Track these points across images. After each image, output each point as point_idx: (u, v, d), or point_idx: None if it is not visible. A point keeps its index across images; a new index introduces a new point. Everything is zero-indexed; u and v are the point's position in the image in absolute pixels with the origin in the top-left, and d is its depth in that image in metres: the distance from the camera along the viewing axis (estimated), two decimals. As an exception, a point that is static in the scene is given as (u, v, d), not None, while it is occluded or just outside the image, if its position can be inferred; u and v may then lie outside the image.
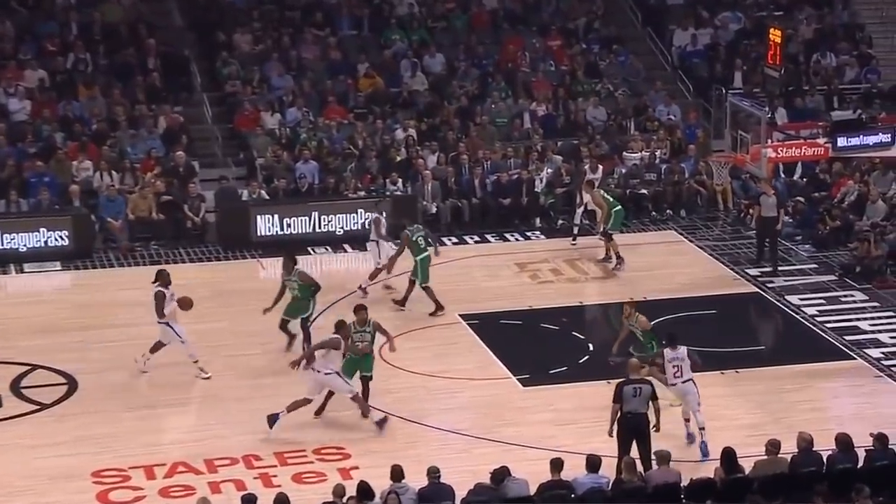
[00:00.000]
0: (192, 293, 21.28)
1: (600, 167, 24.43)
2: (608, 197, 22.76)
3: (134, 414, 17.19)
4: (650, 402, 14.78)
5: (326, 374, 16.40)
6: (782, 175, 25.97)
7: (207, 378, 18.01)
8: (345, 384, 16.51)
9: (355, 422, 16.79)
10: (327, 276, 22.70)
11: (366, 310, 17.22)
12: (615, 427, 14.75)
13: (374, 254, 21.51)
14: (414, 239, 20.43)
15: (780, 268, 22.34)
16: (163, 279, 18.21)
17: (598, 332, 20.67)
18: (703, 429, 15.78)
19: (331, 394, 16.79)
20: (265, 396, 17.61)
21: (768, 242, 22.38)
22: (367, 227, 22.08)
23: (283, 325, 18.72)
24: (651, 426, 14.80)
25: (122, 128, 26.16)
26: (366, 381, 16.99)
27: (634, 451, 14.66)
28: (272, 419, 16.36)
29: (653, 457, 14.01)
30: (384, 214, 21.94)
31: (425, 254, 20.43)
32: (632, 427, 14.71)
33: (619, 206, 22.64)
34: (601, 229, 22.52)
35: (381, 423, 16.51)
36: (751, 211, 25.03)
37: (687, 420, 16.00)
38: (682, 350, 15.91)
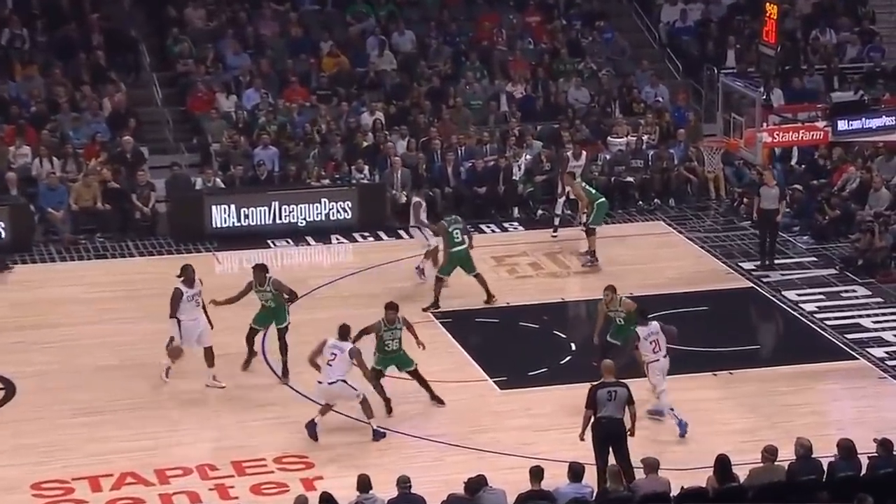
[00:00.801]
0: (142, 289, 21.31)
1: (584, 153, 24.46)
2: (590, 189, 22.76)
3: (77, 420, 17.10)
4: (626, 407, 14.81)
5: (331, 383, 16.38)
6: (778, 162, 26.02)
7: (222, 388, 17.73)
8: (352, 391, 16.44)
9: (321, 427, 16.71)
10: (288, 271, 22.71)
11: (396, 309, 17.21)
12: (589, 434, 14.83)
13: (420, 238, 21.69)
14: (450, 230, 20.57)
15: (776, 261, 22.41)
16: (186, 276, 17.71)
17: (580, 330, 20.66)
18: (672, 409, 16.35)
19: None
20: (221, 400, 17.58)
21: (769, 237, 22.35)
22: (411, 210, 22.02)
23: (251, 336, 18.29)
24: (627, 431, 14.83)
25: (63, 110, 26.00)
26: (412, 374, 17.24)
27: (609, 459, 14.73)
28: (311, 428, 16.33)
29: (639, 464, 14.00)
30: (425, 198, 22.06)
31: (461, 247, 20.54)
32: (607, 433, 14.77)
33: (603, 199, 22.62)
34: (583, 222, 22.54)
35: (377, 435, 16.43)
36: (745, 200, 25.10)
37: (672, 409, 16.44)
38: (655, 324, 16.52)
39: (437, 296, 20.46)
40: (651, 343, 16.43)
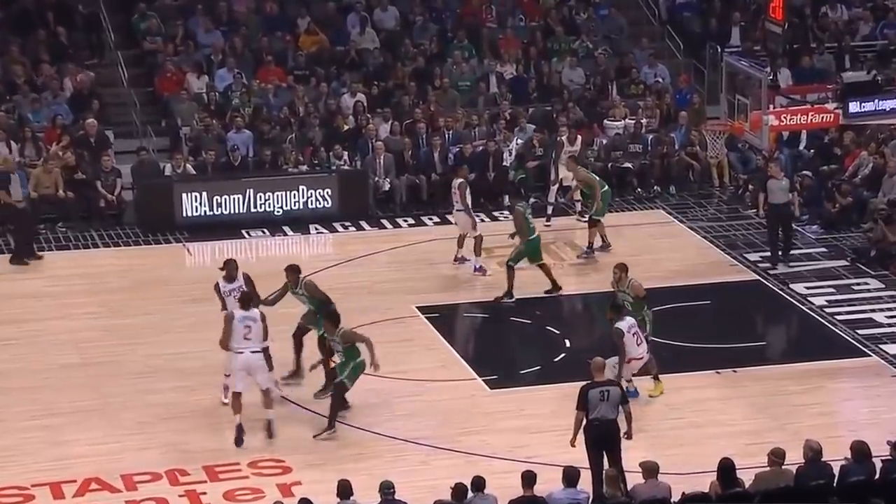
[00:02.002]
0: (108, 283, 21.26)
1: (579, 138, 24.46)
2: (593, 175, 22.71)
3: (38, 423, 17.04)
4: (620, 407, 14.83)
5: (254, 352, 16.39)
6: (785, 147, 26.06)
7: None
8: (268, 364, 16.54)
9: (298, 431, 16.76)
10: (264, 264, 22.65)
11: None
12: (581, 437, 14.81)
13: (464, 224, 21.54)
14: (526, 216, 20.68)
15: (781, 253, 22.37)
16: (228, 271, 17.44)
17: (576, 326, 20.71)
18: (630, 380, 16.94)
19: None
20: (193, 400, 17.54)
21: (782, 234, 22.14)
22: (456, 192, 21.76)
23: (300, 334, 17.95)
24: (622, 433, 14.85)
25: (21, 91, 25.92)
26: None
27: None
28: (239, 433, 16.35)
29: (637, 468, 14.02)
30: (468, 178, 22.00)
31: (536, 235, 20.66)
32: (601, 436, 14.77)
33: (606, 187, 22.63)
34: (588, 212, 22.52)
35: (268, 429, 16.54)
36: (750, 187, 25.13)
37: (630, 380, 16.86)
38: (630, 318, 16.93)
39: (510, 285, 20.52)
40: (634, 336, 16.69)
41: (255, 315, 16.44)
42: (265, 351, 16.53)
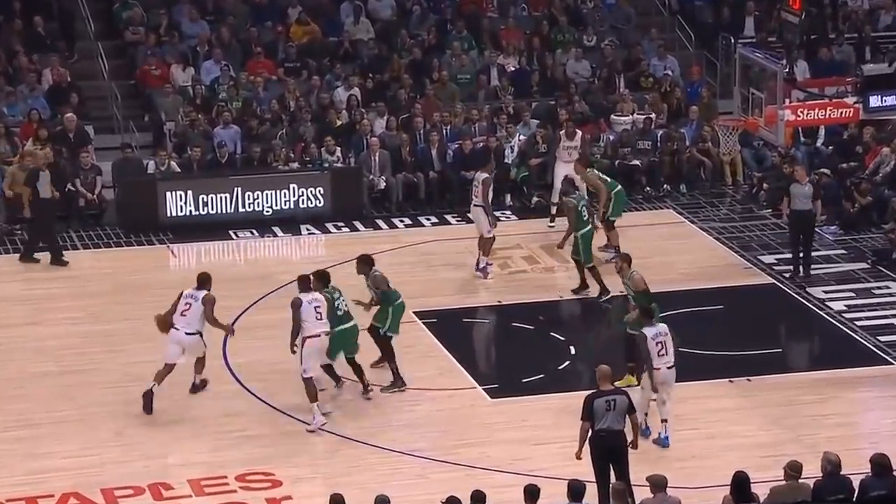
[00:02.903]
0: (87, 287, 21.23)
1: (578, 133, 24.41)
2: (604, 176, 22.63)
3: (12, 434, 17.01)
4: (627, 417, 14.80)
5: (188, 333, 17.29)
6: (803, 142, 26.05)
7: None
8: (203, 347, 17.53)
9: (288, 440, 16.74)
10: (253, 266, 22.71)
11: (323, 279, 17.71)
12: (586, 448, 14.78)
13: (480, 222, 21.56)
14: (579, 209, 20.77)
15: (801, 267, 22.26)
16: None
17: (581, 332, 20.67)
18: (665, 421, 16.37)
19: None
20: (177, 410, 17.49)
21: (803, 243, 21.99)
22: (474, 186, 21.78)
23: (375, 332, 18.19)
24: (628, 444, 14.82)
25: (-4, 84, 25.96)
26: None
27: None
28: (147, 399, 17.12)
29: (645, 482, 13.98)
30: (493, 174, 22.06)
31: (588, 228, 20.79)
32: (607, 447, 14.74)
33: (619, 187, 22.53)
34: (600, 216, 22.50)
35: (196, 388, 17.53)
36: (765, 186, 25.11)
37: (664, 420, 16.35)
38: (663, 325, 16.55)
39: (601, 282, 20.68)
40: (658, 345, 16.37)
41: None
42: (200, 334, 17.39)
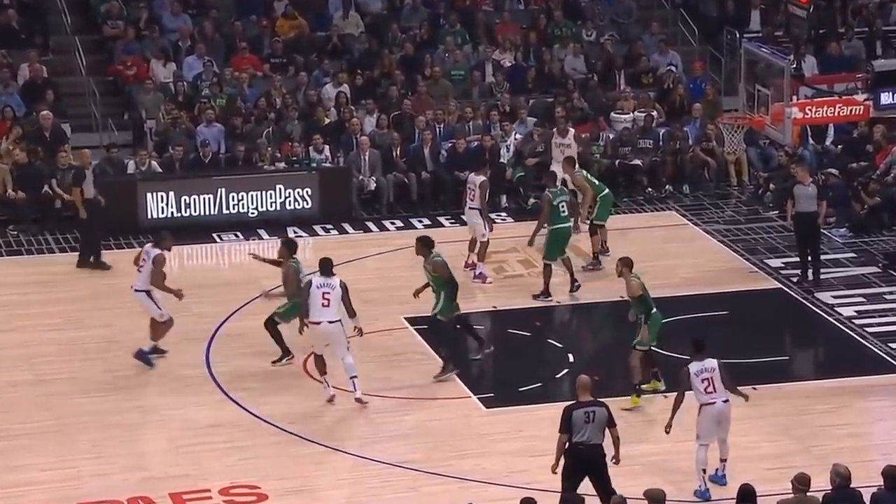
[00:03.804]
0: (65, 291, 21.20)
1: (571, 131, 24.41)
2: (592, 178, 22.67)
3: (-17, 446, 17.04)
4: (607, 430, 14.78)
5: (136, 290, 18.59)
6: (811, 141, 26.07)
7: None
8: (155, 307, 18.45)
9: (274, 452, 16.73)
10: (237, 270, 22.67)
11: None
12: (562, 461, 14.74)
13: (475, 226, 21.73)
14: (556, 204, 20.88)
15: (808, 258, 22.33)
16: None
17: (580, 339, 20.66)
18: (725, 460, 15.93)
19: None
20: (156, 422, 17.49)
21: (810, 247, 21.93)
22: (469, 189, 21.95)
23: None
24: (610, 458, 14.81)
25: (-31, 80, 25.94)
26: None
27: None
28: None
29: (642, 497, 13.95)
30: (489, 176, 22.30)
31: (565, 225, 20.96)
32: (584, 461, 14.73)
33: (607, 191, 22.58)
34: (585, 219, 22.53)
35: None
36: (772, 186, 25.12)
37: (723, 460, 15.88)
38: (712, 361, 15.91)
39: (547, 286, 20.93)
40: (704, 382, 15.80)
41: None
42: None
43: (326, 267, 17.92)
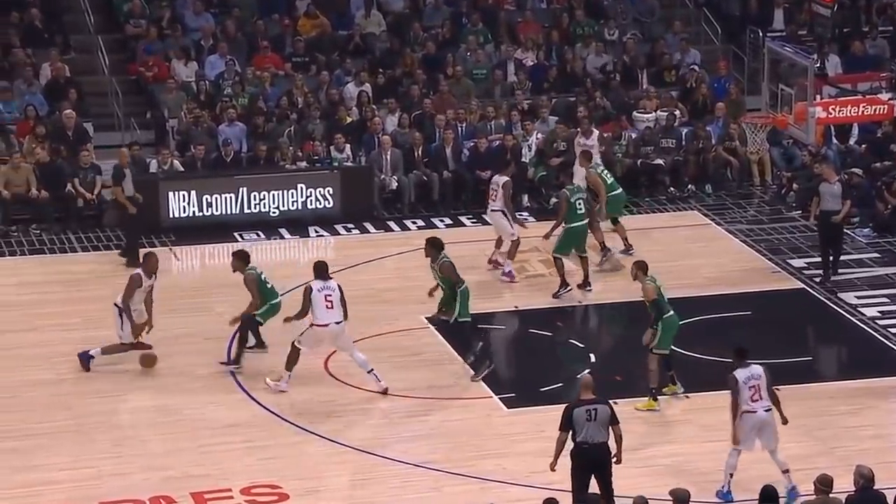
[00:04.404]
0: (86, 291, 21.22)
1: (595, 132, 24.32)
2: (607, 177, 22.54)
3: (5, 445, 16.96)
4: (609, 428, 14.72)
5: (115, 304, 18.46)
6: (834, 140, 25.96)
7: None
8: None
9: (295, 451, 16.71)
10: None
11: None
12: (564, 460, 14.73)
13: (502, 226, 21.73)
14: (573, 201, 20.95)
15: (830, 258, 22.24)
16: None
17: (601, 339, 20.60)
18: (787, 471, 15.61)
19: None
20: (176, 421, 17.45)
21: (832, 246, 21.83)
22: (492, 190, 21.94)
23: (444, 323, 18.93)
24: (611, 456, 14.76)
25: (-8, 79, 26.01)
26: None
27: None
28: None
29: (667, 497, 13.90)
30: (514, 176, 22.27)
31: (581, 223, 20.96)
32: (590, 460, 14.67)
33: (619, 190, 22.51)
34: (603, 217, 22.49)
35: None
36: (795, 186, 25.01)
37: (785, 471, 15.60)
38: (757, 368, 15.74)
39: (563, 277, 20.94)
40: (751, 389, 15.60)
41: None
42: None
43: (322, 271, 18.03)
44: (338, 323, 17.76)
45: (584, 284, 21.22)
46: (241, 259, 18.88)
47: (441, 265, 18.50)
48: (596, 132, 24.39)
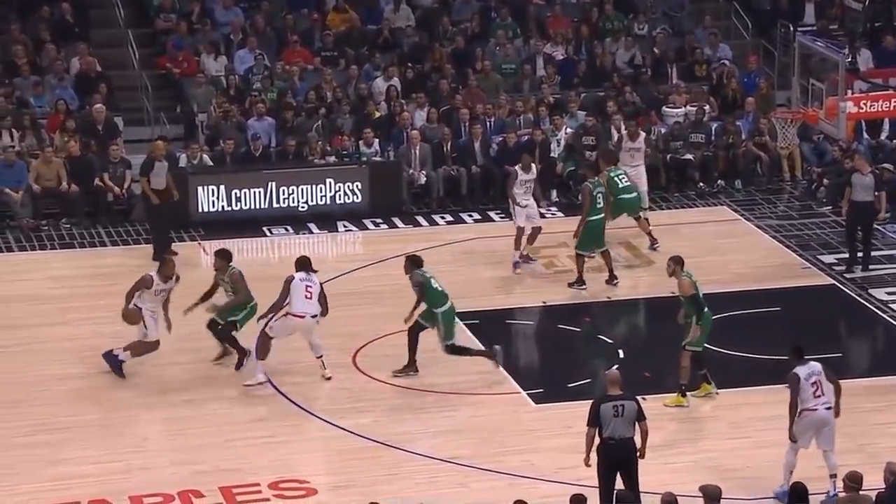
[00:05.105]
0: (115, 285, 21.27)
1: (642, 134, 24.11)
2: (618, 180, 22.20)
3: (36, 439, 17.03)
4: (636, 424, 14.70)
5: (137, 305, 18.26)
6: (865, 135, 25.85)
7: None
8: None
9: (323, 446, 16.74)
10: (287, 264, 22.59)
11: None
12: (596, 458, 14.73)
13: (520, 214, 21.80)
14: (594, 195, 20.99)
15: (860, 253, 22.16)
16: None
17: (630, 334, 20.56)
18: (834, 476, 15.40)
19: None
20: (206, 415, 17.51)
21: (861, 234, 21.83)
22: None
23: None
24: (636, 452, 14.75)
25: (22, 73, 26.02)
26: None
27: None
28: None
29: (697, 493, 13.88)
30: (523, 168, 22.04)
31: (599, 216, 20.93)
32: (616, 457, 14.66)
33: (634, 194, 22.25)
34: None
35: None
36: (825, 181, 24.92)
37: (832, 476, 15.37)
38: (816, 364, 15.66)
39: (580, 274, 20.98)
40: (814, 386, 15.47)
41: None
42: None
43: (306, 264, 18.14)
44: (313, 316, 17.87)
45: (611, 279, 21.20)
46: (223, 258, 18.72)
47: (413, 279, 18.22)
48: (643, 134, 24.24)
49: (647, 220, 22.78)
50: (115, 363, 18.32)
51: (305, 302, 17.88)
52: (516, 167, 22.05)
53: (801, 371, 15.51)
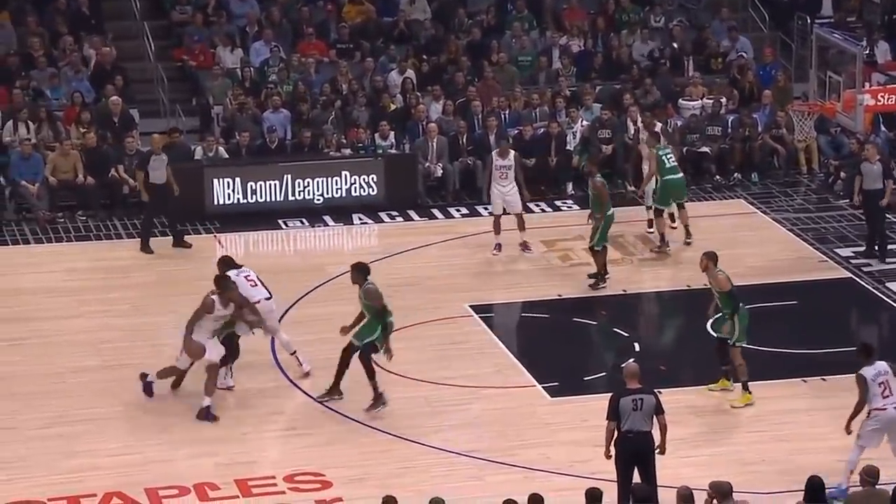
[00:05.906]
0: (131, 278, 21.37)
1: (658, 125, 24.11)
2: (665, 159, 22.28)
3: (53, 431, 17.09)
4: (655, 418, 14.71)
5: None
6: (883, 128, 25.81)
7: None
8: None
9: (338, 439, 16.77)
10: (303, 257, 22.75)
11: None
12: (614, 451, 14.74)
13: (516, 203, 22.01)
14: (608, 189, 21.10)
15: (877, 248, 22.13)
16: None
17: (645, 328, 20.56)
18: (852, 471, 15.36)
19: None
20: (222, 409, 17.54)
21: (873, 225, 21.91)
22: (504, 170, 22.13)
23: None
24: (655, 447, 14.75)
25: (39, 65, 26.07)
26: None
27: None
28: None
29: (707, 488, 13.88)
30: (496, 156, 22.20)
31: (612, 211, 20.88)
32: (633, 451, 14.67)
33: (678, 175, 22.30)
34: (642, 192, 22.48)
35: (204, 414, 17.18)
36: (842, 175, 24.88)
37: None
38: (883, 364, 15.58)
39: (604, 264, 21.00)
40: (881, 386, 15.40)
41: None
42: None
43: (229, 264, 18.11)
44: (267, 299, 17.83)
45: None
46: (226, 265, 18.32)
47: (366, 291, 17.32)
48: (658, 126, 24.22)
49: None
50: (147, 387, 17.84)
51: (252, 289, 17.78)
52: (493, 153, 22.12)
53: (867, 372, 15.43)
